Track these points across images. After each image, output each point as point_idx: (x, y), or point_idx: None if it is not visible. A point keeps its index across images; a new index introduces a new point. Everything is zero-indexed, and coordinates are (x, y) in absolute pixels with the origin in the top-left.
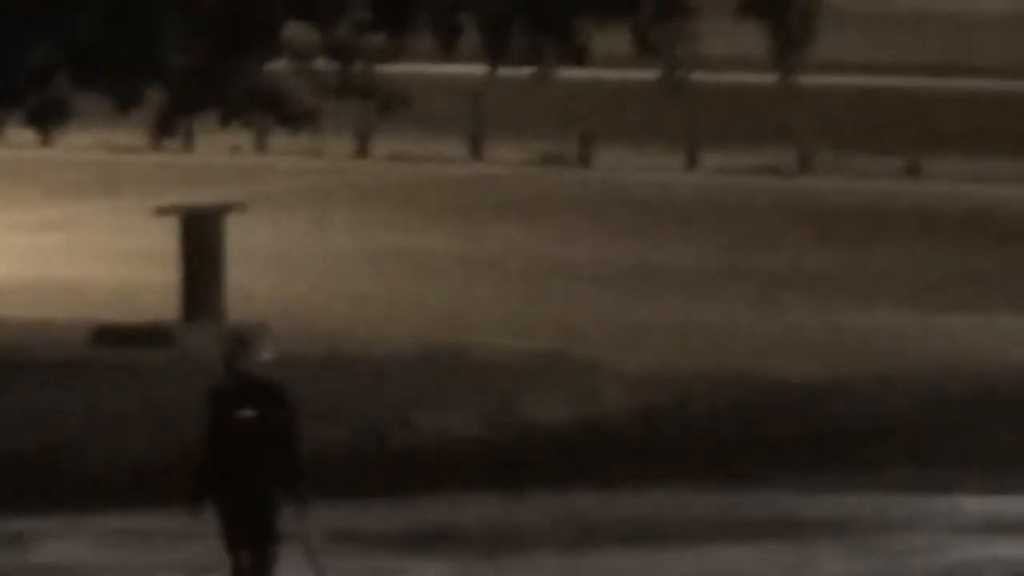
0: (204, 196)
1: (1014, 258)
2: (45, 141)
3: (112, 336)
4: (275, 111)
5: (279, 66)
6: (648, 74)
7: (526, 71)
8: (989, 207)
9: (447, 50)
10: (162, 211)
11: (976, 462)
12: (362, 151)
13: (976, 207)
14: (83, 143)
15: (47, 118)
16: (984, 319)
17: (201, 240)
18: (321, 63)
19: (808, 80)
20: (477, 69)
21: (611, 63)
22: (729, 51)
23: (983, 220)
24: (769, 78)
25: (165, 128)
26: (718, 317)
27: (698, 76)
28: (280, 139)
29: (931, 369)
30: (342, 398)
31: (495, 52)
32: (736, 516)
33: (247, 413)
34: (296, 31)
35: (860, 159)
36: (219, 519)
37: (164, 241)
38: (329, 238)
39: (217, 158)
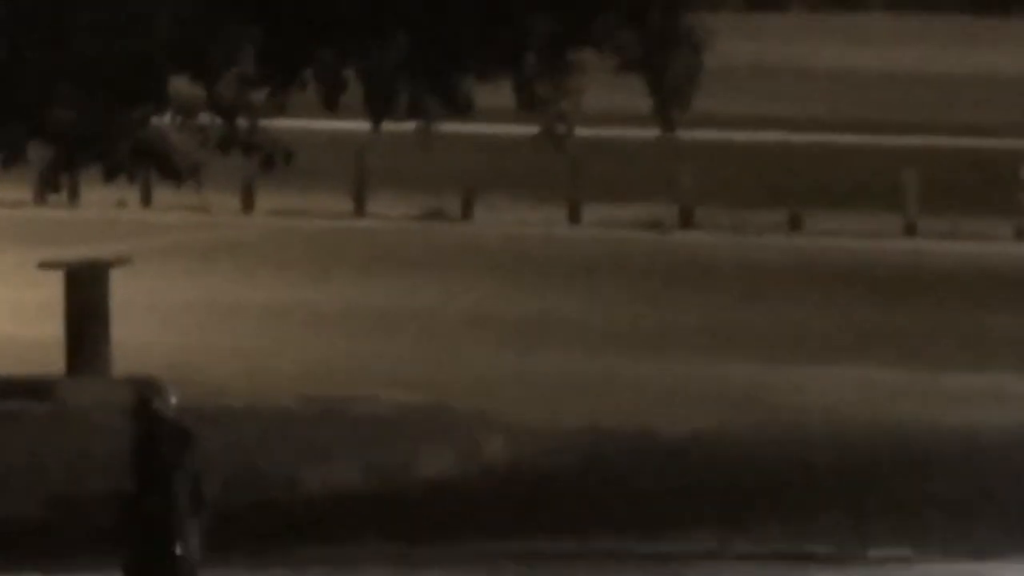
0: (89, 250)
1: (895, 312)
2: None
3: None
4: (160, 166)
5: (164, 121)
6: (531, 128)
7: (410, 126)
8: (870, 261)
9: (331, 105)
10: (46, 265)
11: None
12: (247, 206)
13: (856, 261)
14: None
15: None
16: (862, 372)
17: (86, 294)
18: (206, 118)
19: (690, 135)
20: (361, 124)
21: (493, 117)
22: (612, 105)
23: (862, 274)
24: (652, 133)
25: (50, 183)
26: (601, 369)
27: (581, 131)
28: (165, 194)
29: (792, 424)
30: (226, 452)
31: (378, 107)
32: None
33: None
34: (181, 86)
35: (742, 213)
36: None
37: (50, 295)
38: (213, 293)
39: (103, 212)
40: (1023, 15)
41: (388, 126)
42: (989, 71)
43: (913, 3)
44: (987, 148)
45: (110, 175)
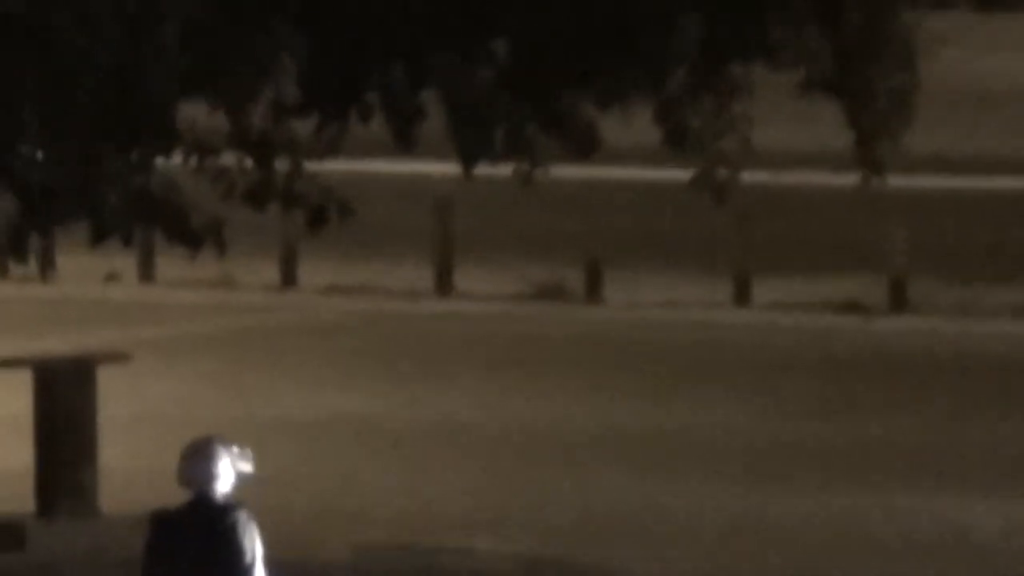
0: (67, 343)
1: None
2: None
3: None
4: (166, 224)
5: (172, 164)
6: (682, 173)
7: (512, 170)
8: None
9: (404, 141)
10: (7, 363)
11: None
12: (287, 280)
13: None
14: None
15: None
16: None
17: (63, 404)
18: (230, 159)
19: (904, 182)
20: (445, 167)
21: (629, 158)
22: (793, 141)
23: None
24: (851, 179)
25: (16, 248)
26: (757, 504)
27: (751, 176)
28: (173, 264)
29: None
30: None
31: (469, 143)
32: None
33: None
34: (195, 114)
35: (972, 290)
36: None
37: (18, 404)
38: (239, 401)
39: (87, 289)
40: None
41: (482, 169)
42: None
43: None
44: None
45: (98, 237)
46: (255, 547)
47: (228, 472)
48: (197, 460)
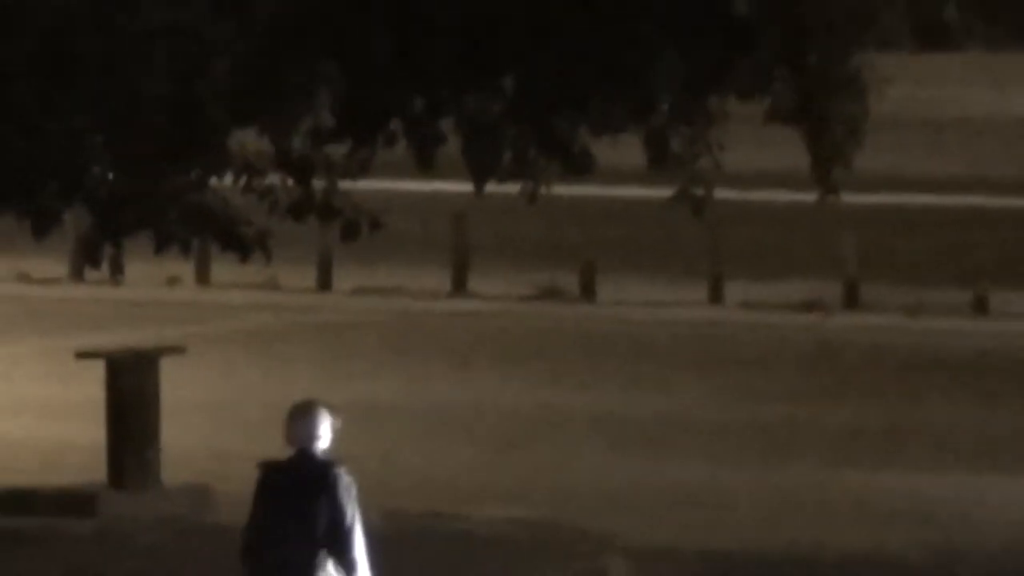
0: (135, 337)
1: None
2: None
3: (29, 503)
4: (220, 235)
5: (224, 182)
6: (664, 190)
7: (518, 187)
8: None
9: (425, 163)
10: (84, 355)
11: None
12: (324, 283)
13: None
14: (8, 274)
15: None
16: None
17: (130, 390)
18: (275, 178)
19: (855, 199)
20: (460, 186)
21: (618, 177)
22: (760, 163)
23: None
24: (809, 196)
25: (89, 256)
26: (731, 479)
27: (723, 193)
28: (226, 269)
29: None
30: None
31: (482, 165)
32: None
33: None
34: (244, 140)
35: (917, 292)
36: None
37: (92, 390)
38: (284, 387)
39: (151, 291)
40: None
41: (492, 187)
42: None
43: None
44: None
45: (160, 246)
46: (355, 509)
47: (327, 433)
48: (300, 420)
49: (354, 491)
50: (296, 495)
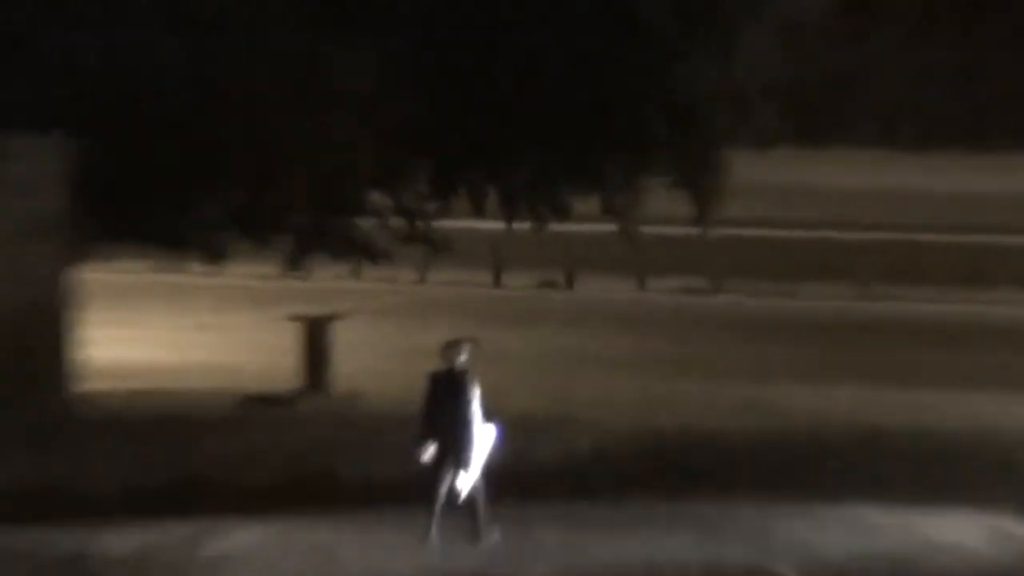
0: (319, 308)
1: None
2: (212, 271)
3: (255, 401)
4: (364, 253)
5: (366, 222)
6: (611, 227)
7: (529, 225)
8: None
9: (478, 211)
10: (292, 318)
11: None
12: (421, 279)
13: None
14: (238, 272)
15: (214, 256)
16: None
17: (318, 338)
18: (394, 220)
19: (718, 231)
20: (497, 224)
21: (585, 219)
22: (666, 210)
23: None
24: (693, 230)
25: (293, 264)
26: (648, 387)
27: (646, 228)
28: (368, 270)
29: None
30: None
31: (509, 212)
32: None
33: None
34: (376, 197)
35: (754, 284)
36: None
37: (290, 339)
38: (405, 339)
39: (327, 283)
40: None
41: (515, 225)
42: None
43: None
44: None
45: (334, 258)
46: (476, 394)
47: (465, 355)
48: (451, 347)
49: (477, 386)
50: (445, 390)
